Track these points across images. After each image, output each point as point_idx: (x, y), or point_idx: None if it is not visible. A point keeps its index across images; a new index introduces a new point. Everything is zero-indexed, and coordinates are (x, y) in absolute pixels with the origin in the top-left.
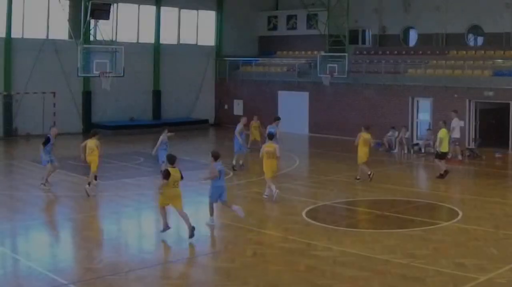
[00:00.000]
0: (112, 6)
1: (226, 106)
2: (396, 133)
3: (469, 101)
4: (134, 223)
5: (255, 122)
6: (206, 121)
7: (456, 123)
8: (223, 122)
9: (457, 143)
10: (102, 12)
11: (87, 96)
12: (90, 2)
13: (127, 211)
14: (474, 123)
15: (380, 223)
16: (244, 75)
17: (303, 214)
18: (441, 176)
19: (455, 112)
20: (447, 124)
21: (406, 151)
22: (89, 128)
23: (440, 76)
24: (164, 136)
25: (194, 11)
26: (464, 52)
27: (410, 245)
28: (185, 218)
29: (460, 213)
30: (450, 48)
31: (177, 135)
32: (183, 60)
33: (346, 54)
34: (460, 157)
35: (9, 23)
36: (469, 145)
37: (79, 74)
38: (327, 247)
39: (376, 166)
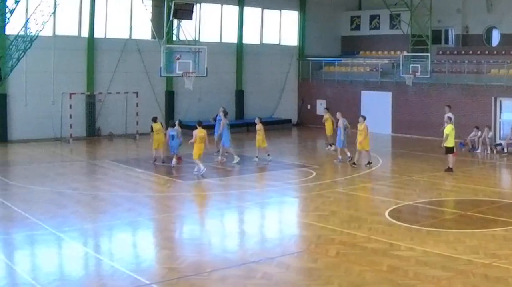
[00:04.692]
0: (195, 6)
1: (309, 107)
2: (479, 133)
3: None
4: (217, 223)
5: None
6: (289, 121)
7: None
8: (306, 123)
9: None
10: (185, 12)
11: (170, 96)
12: (173, 2)
13: (209, 211)
14: None
15: (463, 223)
16: (326, 75)
17: (386, 214)
18: (449, 169)
19: (449, 107)
20: (452, 120)
21: (489, 151)
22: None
23: None
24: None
25: (277, 11)
26: None
27: (492, 245)
28: None
29: None
30: None
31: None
32: (266, 60)
33: (429, 54)
34: None
35: (92, 23)
36: None
37: (162, 74)
38: (410, 247)
39: (459, 165)
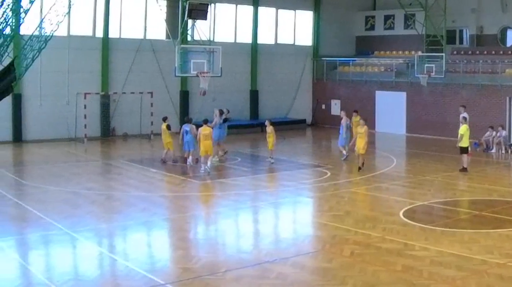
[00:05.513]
0: (209, 6)
1: (323, 106)
2: (494, 133)
3: None
4: (231, 223)
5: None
6: (303, 121)
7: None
8: (320, 123)
9: None
10: (199, 12)
11: (185, 96)
12: (188, 2)
13: (223, 211)
14: None
15: (478, 223)
16: (341, 75)
17: (401, 214)
18: (464, 169)
19: (464, 107)
20: (467, 120)
21: (503, 151)
22: None
23: None
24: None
25: (292, 11)
26: None
27: (507, 245)
28: None
29: None
30: None
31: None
32: (281, 60)
33: (443, 54)
34: None
35: (106, 23)
36: None
37: (177, 74)
38: (424, 247)
39: (473, 165)
